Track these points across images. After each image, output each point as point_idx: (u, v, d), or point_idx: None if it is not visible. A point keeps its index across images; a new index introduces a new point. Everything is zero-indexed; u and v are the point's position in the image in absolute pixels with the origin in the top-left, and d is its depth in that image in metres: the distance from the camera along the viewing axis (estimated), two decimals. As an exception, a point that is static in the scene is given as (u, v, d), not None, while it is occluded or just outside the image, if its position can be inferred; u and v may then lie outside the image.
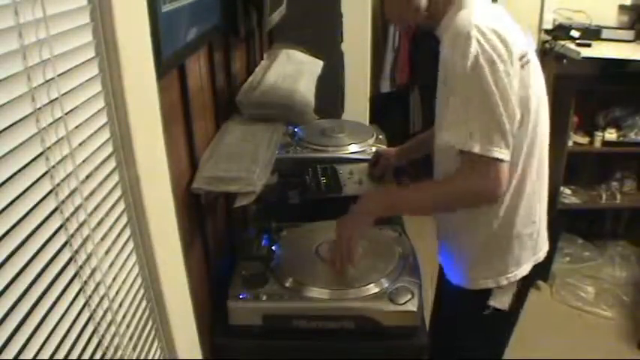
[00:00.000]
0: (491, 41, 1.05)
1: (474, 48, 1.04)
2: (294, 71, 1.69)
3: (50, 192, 0.62)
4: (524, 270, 1.28)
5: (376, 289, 1.18)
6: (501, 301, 1.28)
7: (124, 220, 0.81)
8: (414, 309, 1.15)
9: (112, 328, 0.76)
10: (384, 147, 1.85)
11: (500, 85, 1.05)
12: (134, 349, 0.83)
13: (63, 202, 0.64)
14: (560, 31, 2.75)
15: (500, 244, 1.25)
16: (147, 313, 0.89)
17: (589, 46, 2.60)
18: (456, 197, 1.17)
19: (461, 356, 1.39)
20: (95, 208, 0.72)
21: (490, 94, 1.04)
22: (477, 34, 1.05)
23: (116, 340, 0.77)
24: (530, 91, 1.14)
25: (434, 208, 1.28)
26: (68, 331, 0.65)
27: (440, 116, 1.27)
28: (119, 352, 0.78)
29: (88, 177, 0.70)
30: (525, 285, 1.31)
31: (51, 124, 0.61)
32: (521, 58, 1.11)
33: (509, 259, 1.26)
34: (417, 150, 1.67)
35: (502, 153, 1.06)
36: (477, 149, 1.06)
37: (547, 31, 2.84)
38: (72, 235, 0.66)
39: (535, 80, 1.16)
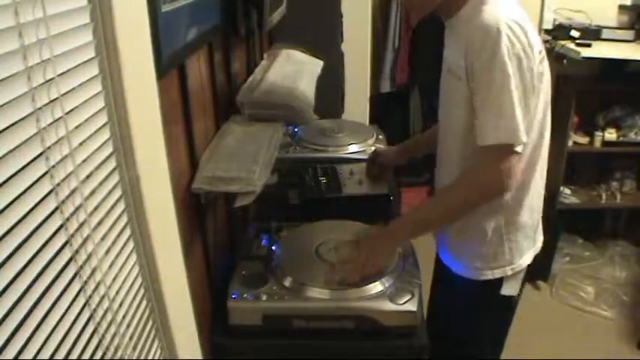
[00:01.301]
0: (518, 37, 1.08)
1: (504, 44, 1.06)
2: (294, 71, 1.69)
3: (50, 192, 0.62)
4: (527, 259, 1.32)
5: (376, 289, 1.18)
6: (512, 288, 1.33)
7: (124, 220, 0.81)
8: (414, 309, 1.15)
9: (112, 328, 0.76)
10: (382, 146, 1.85)
11: (525, 80, 1.09)
12: (134, 349, 0.83)
13: (63, 202, 0.64)
14: (560, 31, 2.75)
15: (506, 235, 1.28)
16: (147, 313, 0.89)
17: (589, 46, 2.59)
18: (472, 191, 1.17)
19: (465, 346, 1.39)
20: (95, 208, 0.72)
21: (515, 89, 1.08)
22: (506, 30, 1.07)
23: (116, 340, 0.77)
24: (544, 84, 1.18)
25: (457, 210, 1.23)
26: (68, 331, 0.65)
27: (443, 105, 1.30)
28: (119, 352, 0.78)
29: (88, 177, 0.70)
30: (526, 272, 1.35)
31: (51, 124, 0.61)
32: (539, 52, 1.14)
33: (515, 250, 1.29)
34: (417, 149, 1.67)
35: (520, 146, 1.10)
36: (495, 141, 1.10)
37: (547, 31, 2.84)
38: (72, 235, 0.66)
39: (547, 76, 1.20)
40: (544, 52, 1.18)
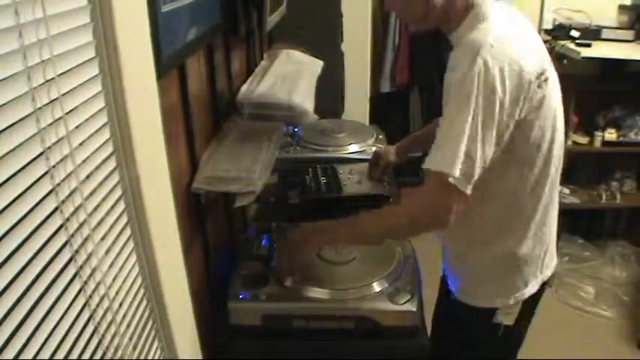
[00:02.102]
0: (501, 64, 0.97)
1: (477, 66, 0.96)
2: (293, 71, 1.69)
3: (50, 192, 0.62)
4: (532, 289, 1.25)
5: (376, 289, 1.18)
6: (508, 318, 1.25)
7: (124, 220, 0.81)
8: (414, 309, 1.15)
9: (112, 328, 0.76)
10: (382, 146, 1.85)
11: (490, 115, 0.98)
12: (134, 349, 0.83)
13: (63, 202, 0.64)
14: (560, 31, 2.75)
15: (509, 264, 1.22)
16: (147, 313, 0.89)
17: (589, 46, 2.59)
18: (406, 216, 1.11)
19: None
20: (95, 208, 0.72)
21: (472, 120, 0.97)
22: (487, 54, 0.97)
23: (116, 340, 0.77)
24: (547, 110, 1.08)
25: (383, 229, 1.15)
26: (68, 331, 0.65)
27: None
28: (119, 352, 0.78)
29: (88, 177, 0.70)
30: (532, 303, 1.28)
31: (51, 124, 0.62)
32: (539, 77, 1.03)
33: (518, 279, 1.23)
34: (416, 147, 1.66)
35: (465, 186, 0.99)
36: (430, 166, 1.01)
37: (547, 31, 2.84)
38: (72, 235, 0.66)
39: (552, 97, 1.10)
40: (548, 74, 1.06)
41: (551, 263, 1.30)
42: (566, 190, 2.90)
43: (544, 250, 1.25)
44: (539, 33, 2.85)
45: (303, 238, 1.19)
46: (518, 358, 1.47)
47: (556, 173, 1.19)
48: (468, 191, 1.01)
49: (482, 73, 0.96)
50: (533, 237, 1.20)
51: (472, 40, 1.02)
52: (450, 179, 0.98)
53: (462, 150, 0.98)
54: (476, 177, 1.01)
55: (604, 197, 2.91)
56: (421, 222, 1.09)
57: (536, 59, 1.05)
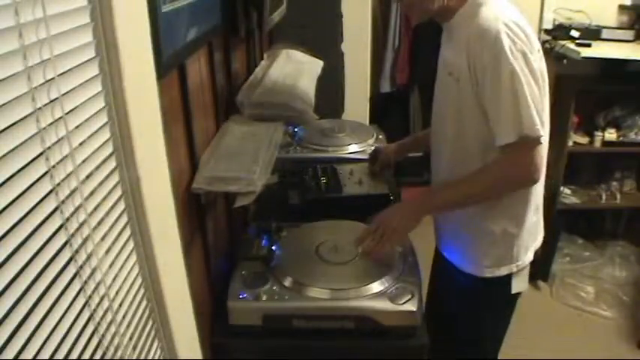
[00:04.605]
0: (518, 35, 1.10)
1: (506, 43, 1.09)
2: (294, 71, 1.70)
3: (50, 192, 0.62)
4: (530, 256, 1.35)
5: (376, 289, 1.18)
6: (521, 285, 1.35)
7: (124, 220, 0.81)
8: (414, 309, 1.15)
9: (112, 328, 0.76)
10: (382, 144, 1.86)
11: (533, 73, 1.11)
12: (134, 349, 0.83)
13: (63, 202, 0.64)
14: (560, 31, 2.75)
15: (513, 235, 1.29)
16: (147, 313, 0.89)
17: (589, 46, 2.59)
18: (500, 183, 1.20)
19: (468, 343, 1.40)
20: (95, 208, 0.72)
21: (526, 84, 1.09)
22: (505, 29, 1.09)
23: (116, 340, 0.77)
24: (544, 79, 1.19)
25: (479, 198, 1.26)
26: (68, 331, 0.65)
27: (440, 107, 1.32)
28: (119, 352, 0.78)
29: (88, 177, 0.70)
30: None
31: (51, 124, 0.62)
32: (538, 51, 1.17)
33: (520, 248, 1.31)
34: (416, 147, 1.68)
35: (542, 136, 1.12)
36: (517, 138, 1.11)
37: (547, 31, 2.83)
38: (72, 235, 0.66)
39: (545, 73, 1.21)
40: (542, 52, 1.19)
41: (541, 232, 1.41)
42: (567, 191, 2.90)
43: (540, 218, 1.37)
44: (539, 33, 2.86)
45: (406, 209, 1.27)
46: (518, 358, 1.48)
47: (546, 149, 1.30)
48: (545, 141, 1.15)
49: (512, 47, 1.09)
50: (535, 205, 1.30)
51: (484, 22, 1.12)
52: (536, 137, 1.11)
53: (534, 110, 1.10)
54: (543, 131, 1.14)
55: (604, 197, 2.90)
56: (521, 185, 1.22)
57: (534, 36, 1.17)
